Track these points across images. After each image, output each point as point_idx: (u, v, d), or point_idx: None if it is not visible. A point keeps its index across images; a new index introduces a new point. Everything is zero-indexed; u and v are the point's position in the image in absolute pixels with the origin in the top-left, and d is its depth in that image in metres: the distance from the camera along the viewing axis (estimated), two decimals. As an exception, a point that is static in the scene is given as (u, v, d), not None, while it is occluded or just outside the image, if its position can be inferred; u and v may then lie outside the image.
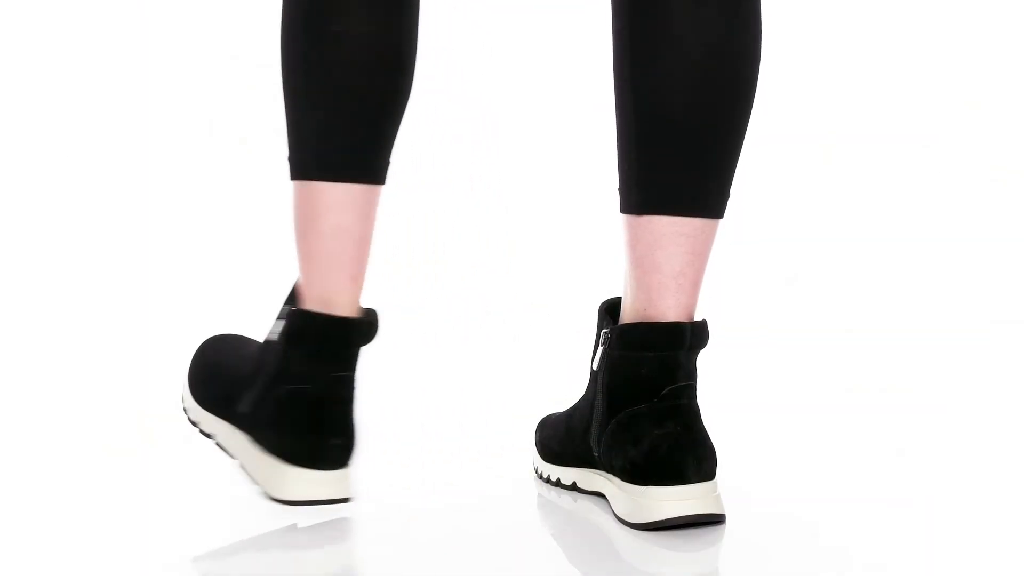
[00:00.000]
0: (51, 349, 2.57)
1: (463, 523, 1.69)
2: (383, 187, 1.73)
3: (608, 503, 1.71)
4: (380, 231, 2.83)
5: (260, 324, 2.45)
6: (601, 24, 1.74)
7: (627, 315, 1.71)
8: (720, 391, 1.82)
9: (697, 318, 1.70)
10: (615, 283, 1.74)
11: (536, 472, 1.86)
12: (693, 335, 1.67)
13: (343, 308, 1.71)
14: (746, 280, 2.75)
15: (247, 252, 2.82)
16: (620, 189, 1.72)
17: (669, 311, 1.68)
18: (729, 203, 1.70)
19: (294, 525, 1.67)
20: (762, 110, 1.71)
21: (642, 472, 1.64)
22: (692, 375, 1.67)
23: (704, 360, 1.71)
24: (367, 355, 2.48)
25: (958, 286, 2.79)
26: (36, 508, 1.77)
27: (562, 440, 1.80)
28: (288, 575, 1.55)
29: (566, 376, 1.98)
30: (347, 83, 1.68)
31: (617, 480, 1.67)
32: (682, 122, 1.67)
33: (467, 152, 2.91)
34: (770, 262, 2.82)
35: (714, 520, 1.63)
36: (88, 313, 2.71)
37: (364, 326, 1.71)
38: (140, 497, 1.83)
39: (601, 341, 1.72)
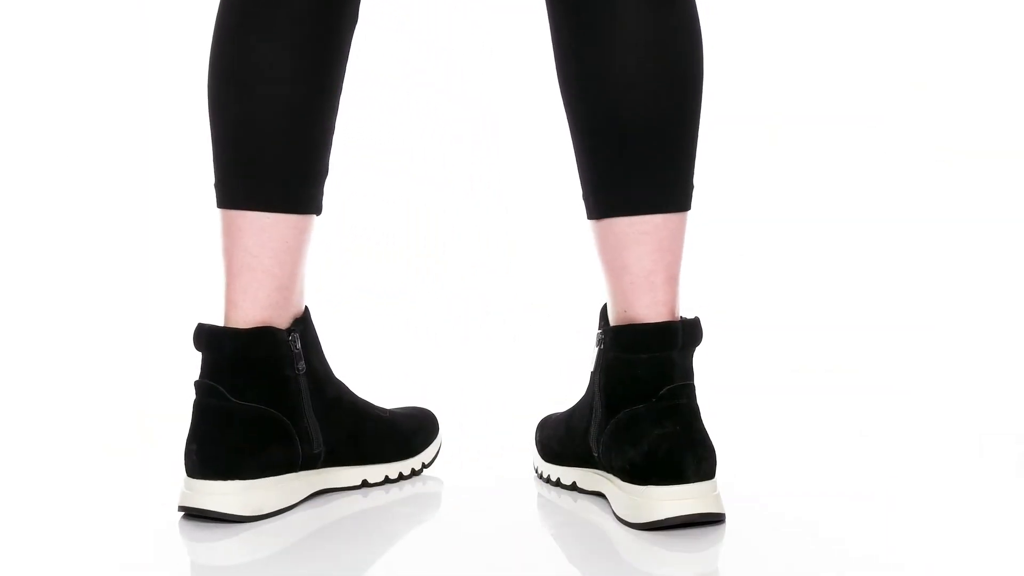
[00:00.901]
0: (51, 349, 2.57)
1: (463, 523, 1.69)
2: (296, 216, 1.72)
3: (608, 503, 1.71)
4: (380, 231, 2.85)
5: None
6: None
7: (612, 318, 1.71)
8: (708, 386, 1.82)
9: (690, 315, 1.70)
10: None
11: (536, 472, 1.86)
12: (685, 334, 1.67)
13: (227, 322, 1.73)
14: (704, 270, 2.75)
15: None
16: (583, 196, 1.73)
17: (647, 310, 1.68)
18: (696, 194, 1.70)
19: (293, 525, 1.68)
20: (707, 92, 1.71)
21: (641, 472, 1.64)
22: (689, 374, 1.67)
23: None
24: (370, 352, 2.49)
25: (905, 267, 2.79)
26: (36, 508, 1.77)
27: (562, 440, 1.80)
28: (287, 575, 1.55)
29: (566, 376, 1.98)
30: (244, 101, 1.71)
31: (617, 480, 1.67)
32: (629, 122, 1.67)
33: (467, 152, 2.91)
34: (721, 247, 2.82)
35: (714, 519, 1.63)
36: (88, 313, 2.71)
37: (211, 335, 1.71)
38: (140, 497, 1.83)
39: (596, 342, 1.72)
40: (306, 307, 1.78)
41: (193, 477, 1.68)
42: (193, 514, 1.67)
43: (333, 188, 1.77)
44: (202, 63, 1.70)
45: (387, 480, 1.83)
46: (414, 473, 1.86)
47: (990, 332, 2.56)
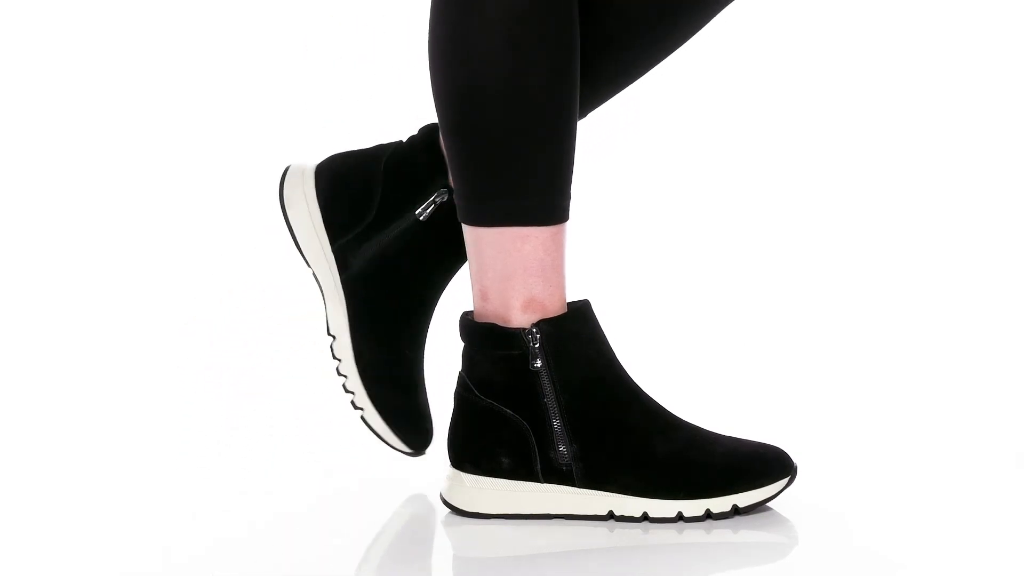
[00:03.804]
0: (52, 349, 2.57)
1: (463, 523, 1.69)
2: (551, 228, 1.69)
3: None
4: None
5: (263, 325, 2.45)
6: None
7: None
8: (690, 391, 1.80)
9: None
10: (612, 283, 1.74)
11: None
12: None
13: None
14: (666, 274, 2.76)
15: (249, 252, 2.83)
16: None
17: None
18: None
19: (294, 522, 1.68)
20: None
21: None
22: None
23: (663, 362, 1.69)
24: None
25: (883, 271, 2.80)
26: (37, 508, 1.78)
27: None
28: (287, 574, 1.55)
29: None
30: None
31: None
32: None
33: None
34: (700, 254, 2.82)
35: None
36: (88, 313, 2.72)
37: (463, 327, 1.73)
38: (140, 497, 1.83)
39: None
40: (579, 308, 1.71)
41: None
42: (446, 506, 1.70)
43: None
44: (202, 62, 1.70)
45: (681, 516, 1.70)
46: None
47: (969, 336, 2.56)
